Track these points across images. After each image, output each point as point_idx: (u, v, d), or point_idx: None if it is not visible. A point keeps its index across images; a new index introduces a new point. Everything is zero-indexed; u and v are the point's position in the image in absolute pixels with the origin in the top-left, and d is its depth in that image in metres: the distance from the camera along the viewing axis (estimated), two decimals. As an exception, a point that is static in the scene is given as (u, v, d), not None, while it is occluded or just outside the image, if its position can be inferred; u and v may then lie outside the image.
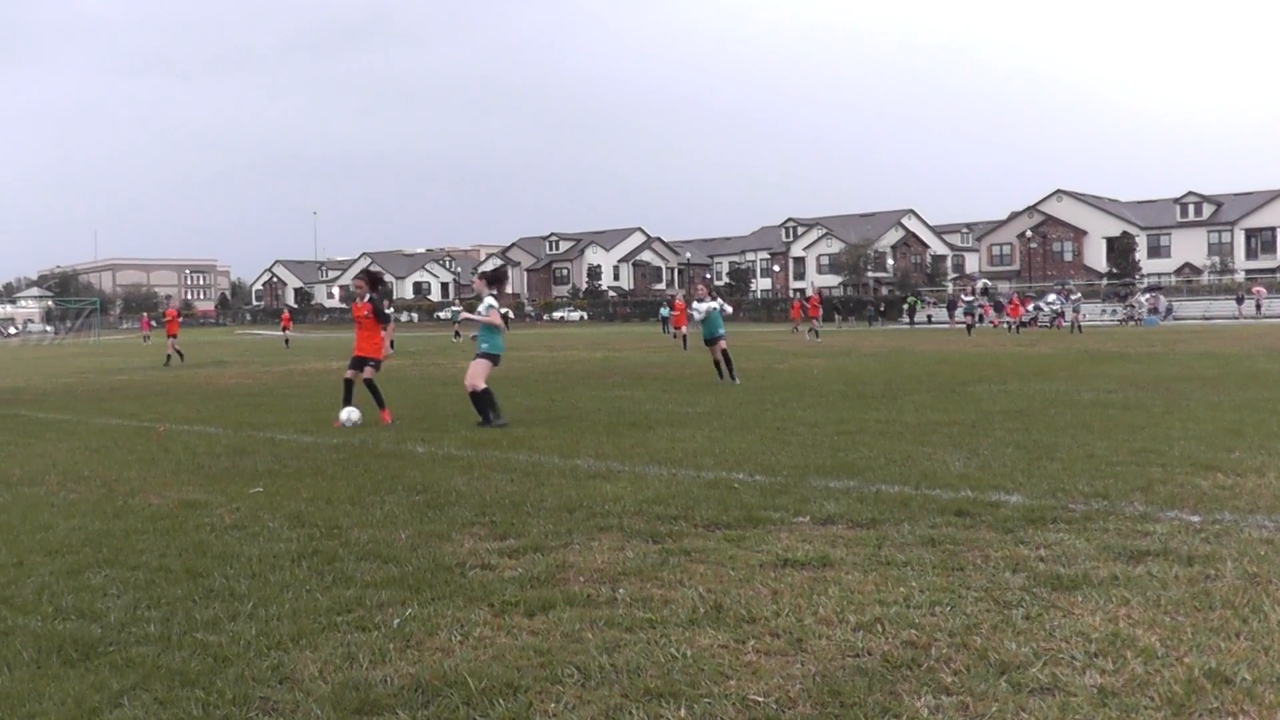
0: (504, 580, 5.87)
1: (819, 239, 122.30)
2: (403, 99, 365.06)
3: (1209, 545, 6.31)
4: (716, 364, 20.60)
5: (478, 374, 13.60)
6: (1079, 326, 53.92)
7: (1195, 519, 7.04)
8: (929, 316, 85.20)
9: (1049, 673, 4.27)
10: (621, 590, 5.60)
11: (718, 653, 4.59)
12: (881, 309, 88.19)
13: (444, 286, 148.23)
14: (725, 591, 5.52)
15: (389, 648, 4.77)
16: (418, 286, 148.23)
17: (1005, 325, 58.15)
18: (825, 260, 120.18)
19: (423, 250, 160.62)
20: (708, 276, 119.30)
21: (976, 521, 7.05)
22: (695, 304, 21.05)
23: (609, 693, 4.17)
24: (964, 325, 49.36)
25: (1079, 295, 65.39)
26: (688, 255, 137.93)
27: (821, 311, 44.32)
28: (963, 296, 53.08)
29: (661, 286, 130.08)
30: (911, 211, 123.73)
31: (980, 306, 52.46)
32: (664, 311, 68.81)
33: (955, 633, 4.77)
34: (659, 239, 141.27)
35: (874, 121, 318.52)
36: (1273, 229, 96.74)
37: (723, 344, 20.67)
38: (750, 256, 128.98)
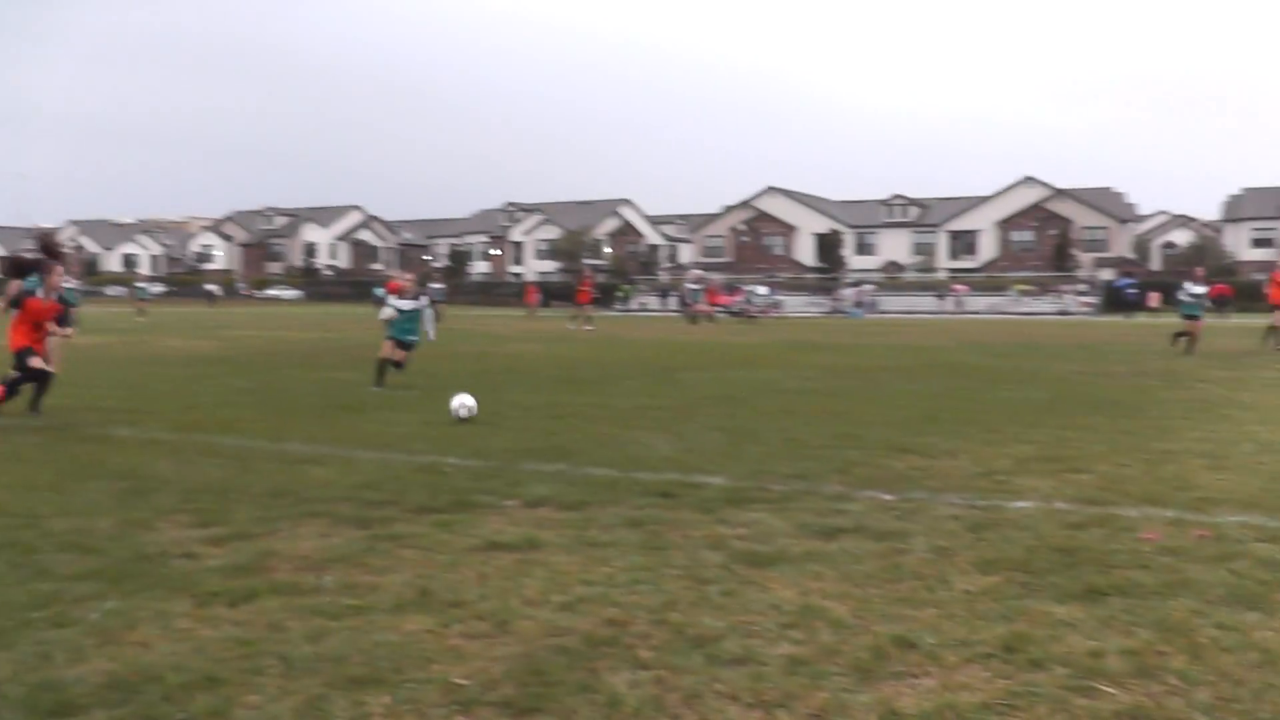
0: (207, 570, 5.67)
1: (539, 224, 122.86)
2: (122, 55, 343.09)
3: (900, 522, 6.75)
4: (386, 363, 15.63)
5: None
6: (751, 316, 55.83)
7: (889, 498, 7.49)
8: (642, 304, 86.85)
9: (742, 645, 4.48)
10: (328, 577, 5.50)
11: (423, 638, 4.59)
12: (598, 296, 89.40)
13: (154, 259, 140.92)
14: (433, 576, 5.51)
15: (86, 644, 4.53)
16: (127, 259, 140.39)
17: (719, 314, 59.87)
18: (544, 246, 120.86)
19: (133, 220, 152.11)
20: (427, 259, 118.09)
21: (680, 503, 7.28)
22: (392, 300, 15.94)
23: (312, 682, 4.10)
24: (693, 314, 50.51)
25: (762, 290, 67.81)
26: (406, 235, 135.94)
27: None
28: (688, 285, 54.33)
29: (380, 267, 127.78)
30: (628, 201, 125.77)
31: (704, 293, 53.95)
32: (378, 292, 67.86)
33: (655, 610, 4.93)
34: (377, 218, 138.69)
35: (596, 114, 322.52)
36: (974, 232, 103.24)
37: (407, 354, 15.91)
38: (470, 239, 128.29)
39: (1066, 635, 4.63)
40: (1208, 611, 4.98)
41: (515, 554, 5.97)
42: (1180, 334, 25.51)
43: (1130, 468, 8.91)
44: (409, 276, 17.33)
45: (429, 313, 16.42)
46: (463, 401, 12.04)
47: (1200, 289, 25.58)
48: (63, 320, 13.48)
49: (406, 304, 15.90)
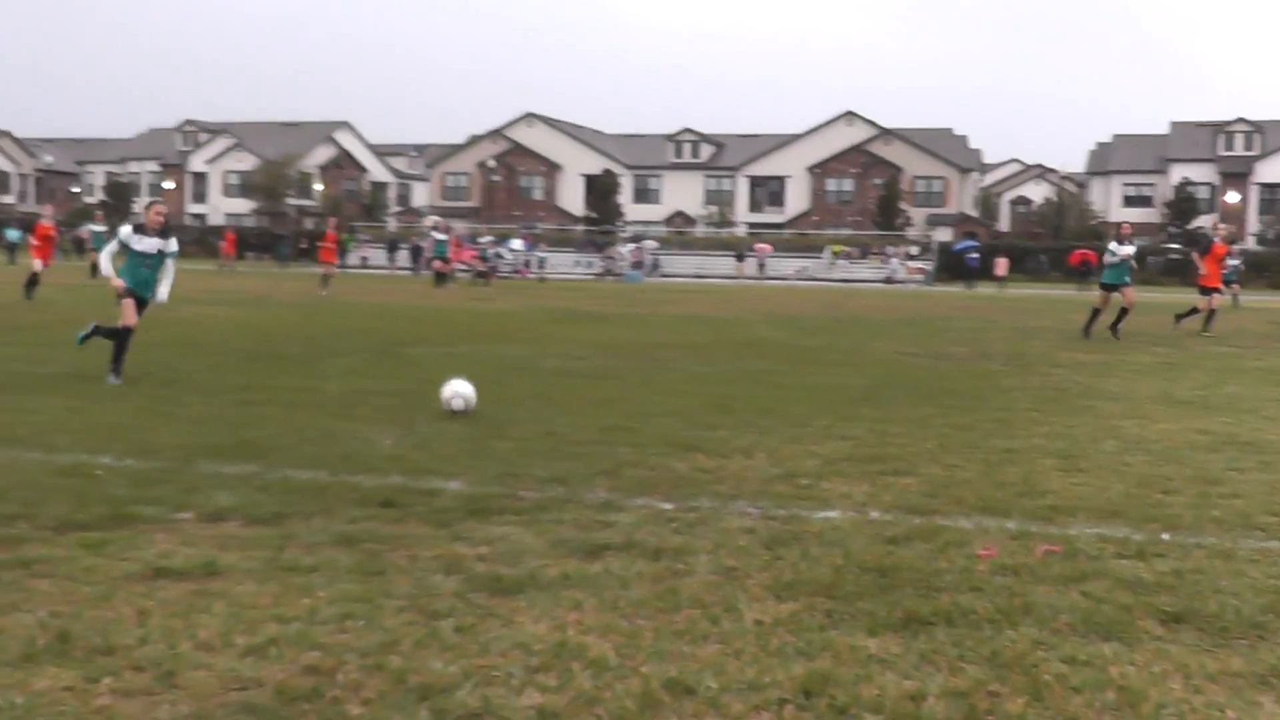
0: None
1: (227, 150, 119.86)
2: None
3: (681, 536, 6.88)
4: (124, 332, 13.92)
5: None
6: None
7: (667, 506, 7.63)
8: (364, 259, 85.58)
9: (480, 695, 4.49)
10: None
11: (60, 697, 4.44)
12: (303, 246, 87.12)
13: None
14: (76, 615, 5.34)
15: None
16: None
17: (465, 272, 59.58)
18: (235, 179, 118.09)
19: None
20: (76, 191, 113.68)
21: (406, 514, 7.25)
22: (125, 237, 14.21)
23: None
24: (438, 272, 49.96)
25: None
26: (49, 159, 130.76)
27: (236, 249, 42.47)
28: (435, 234, 53.69)
29: (11, 200, 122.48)
30: (346, 125, 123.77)
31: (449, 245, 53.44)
32: (11, 234, 65.40)
33: (369, 652, 4.90)
34: (7, 134, 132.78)
35: (302, 14, 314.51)
36: (781, 179, 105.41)
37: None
38: (135, 167, 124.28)
39: (879, 674, 4.80)
40: (1053, 643, 5.25)
41: (189, 583, 5.84)
42: (1098, 310, 25.18)
43: (965, 469, 9.30)
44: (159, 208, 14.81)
45: (170, 261, 14.31)
46: (457, 390, 11.62)
47: (1128, 249, 25.15)
48: None
49: (148, 243, 14.15)
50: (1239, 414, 13.08)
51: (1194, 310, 27.71)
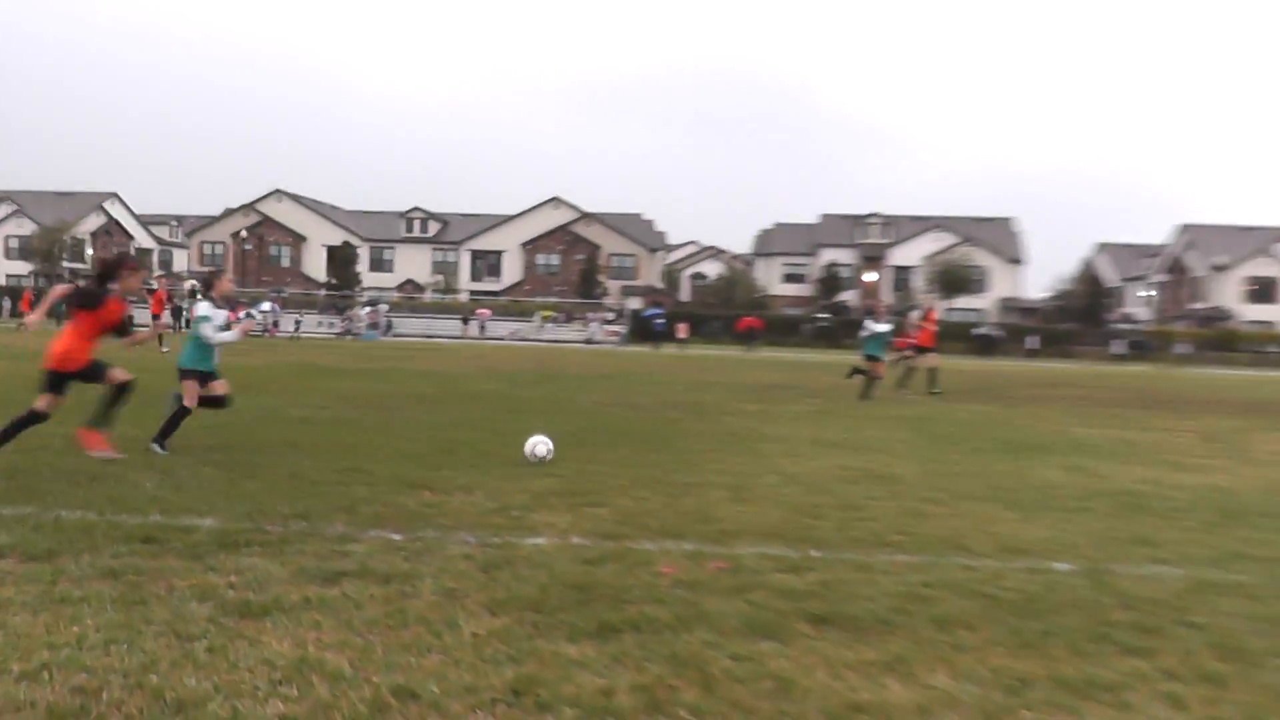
0: None
1: (8, 216, 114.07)
2: None
3: (409, 563, 6.81)
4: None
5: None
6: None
7: (397, 537, 7.55)
8: (131, 317, 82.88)
9: (229, 707, 4.37)
10: None
11: None
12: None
13: None
14: None
15: None
16: None
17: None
18: (15, 243, 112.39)
19: None
20: None
21: (165, 549, 6.99)
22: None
23: None
24: (170, 328, 48.40)
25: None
26: None
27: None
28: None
29: None
30: (115, 196, 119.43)
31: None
32: None
33: (130, 673, 4.72)
34: None
35: (76, 90, 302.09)
36: (498, 253, 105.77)
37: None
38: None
39: (577, 675, 4.86)
40: (722, 643, 5.39)
41: (-37, 615, 5.52)
42: (857, 370, 24.96)
43: (651, 501, 9.46)
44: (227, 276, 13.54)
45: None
46: (539, 441, 11.68)
47: (883, 327, 24.35)
48: None
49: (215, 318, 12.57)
50: (874, 453, 13.66)
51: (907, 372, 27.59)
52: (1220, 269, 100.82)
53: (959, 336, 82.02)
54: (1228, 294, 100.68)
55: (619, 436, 14.55)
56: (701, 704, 4.58)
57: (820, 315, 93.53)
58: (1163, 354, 79.35)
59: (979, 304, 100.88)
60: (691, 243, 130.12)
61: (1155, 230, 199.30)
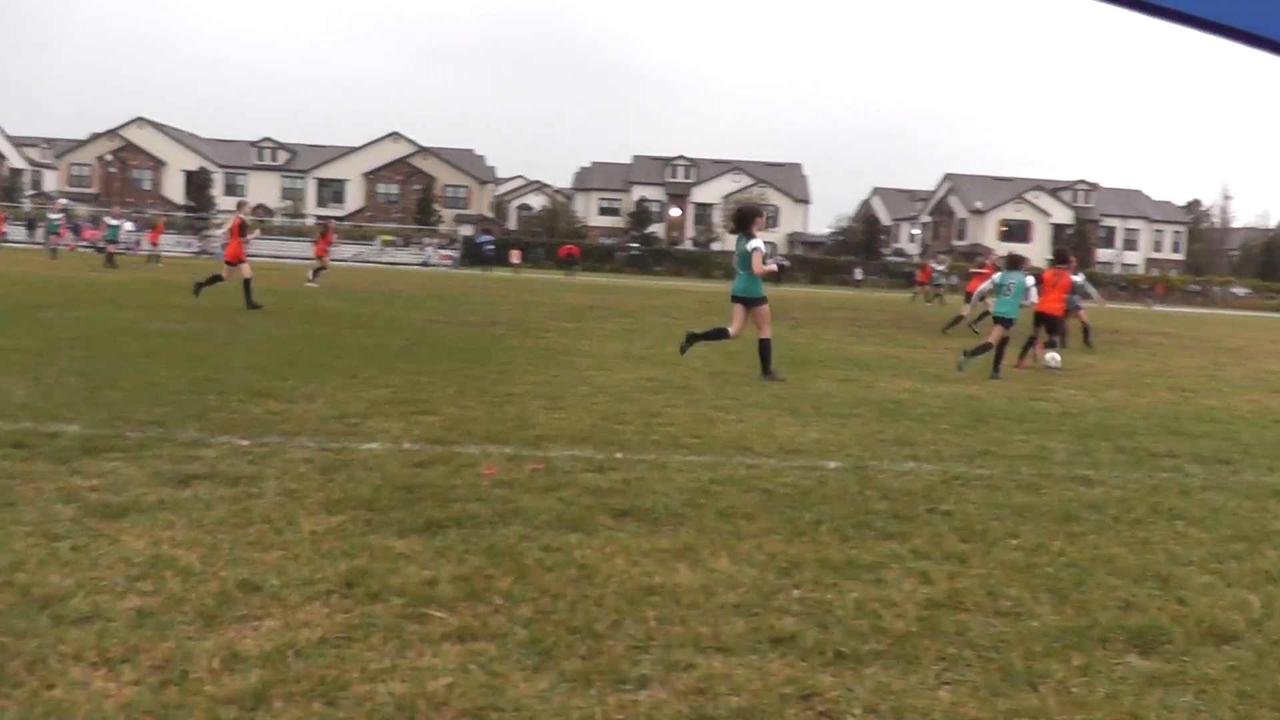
0: None
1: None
2: None
3: (254, 466, 6.68)
4: None
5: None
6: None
7: (245, 443, 7.38)
8: (3, 235, 78.27)
9: (90, 601, 4.25)
10: None
11: None
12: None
13: None
14: None
15: None
16: None
17: (88, 248, 55.48)
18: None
19: None
20: None
21: (34, 453, 6.71)
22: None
23: None
24: (47, 247, 46.10)
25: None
26: None
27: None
28: (50, 215, 49.55)
29: None
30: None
31: (59, 226, 49.50)
32: None
33: (1, 571, 4.54)
34: None
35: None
36: (342, 181, 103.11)
37: None
38: None
39: (404, 567, 4.84)
40: (535, 536, 5.42)
41: None
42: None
43: (475, 409, 9.43)
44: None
45: None
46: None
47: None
48: None
49: None
50: (675, 366, 13.83)
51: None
52: (979, 212, 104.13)
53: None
54: (986, 234, 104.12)
55: (448, 351, 14.43)
56: (514, 590, 4.61)
57: (632, 245, 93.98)
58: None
59: (770, 237, 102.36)
60: (519, 177, 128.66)
61: (924, 177, 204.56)
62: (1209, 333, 34.14)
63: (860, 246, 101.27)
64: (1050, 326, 17.65)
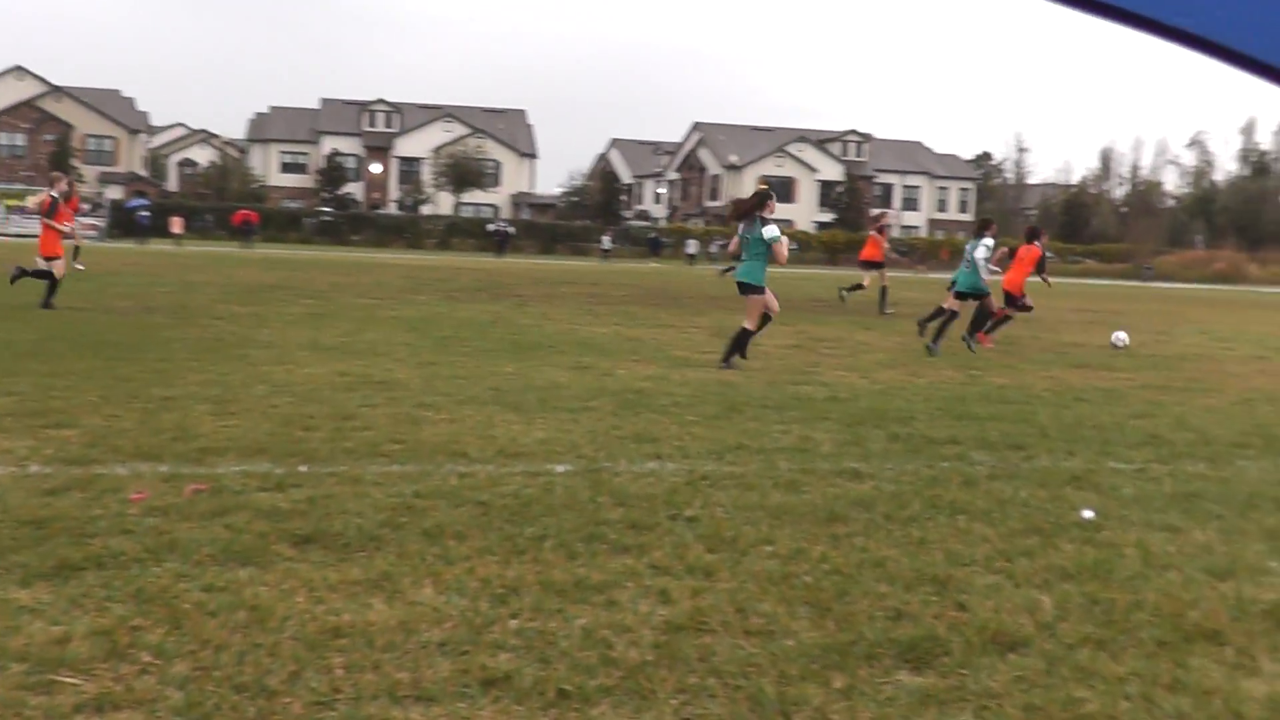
0: None
1: None
2: None
3: None
4: None
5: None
6: None
7: None
8: None
9: None
10: None
11: None
12: None
13: None
14: None
15: None
16: None
17: None
18: None
19: None
20: None
21: None
22: None
23: None
24: None
25: None
26: None
27: None
28: None
29: None
30: None
31: None
32: None
33: None
34: None
35: None
36: None
37: None
38: None
39: (28, 624, 4.62)
40: (195, 575, 5.28)
41: None
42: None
43: (124, 419, 9.10)
44: None
45: None
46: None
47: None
48: None
49: None
50: (374, 357, 13.72)
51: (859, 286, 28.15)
52: (734, 168, 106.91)
53: (472, 233, 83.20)
54: (744, 192, 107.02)
55: (90, 346, 13.82)
56: (167, 644, 4.46)
57: (324, 209, 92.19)
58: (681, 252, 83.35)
59: (492, 199, 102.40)
60: (179, 125, 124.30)
61: (670, 127, 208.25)
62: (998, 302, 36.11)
63: (598, 208, 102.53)
64: (1008, 300, 20.17)
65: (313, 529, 6.07)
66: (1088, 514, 7.27)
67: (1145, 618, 5.34)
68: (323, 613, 4.87)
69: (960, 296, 18.59)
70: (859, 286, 28.05)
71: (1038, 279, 20.67)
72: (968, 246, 18.95)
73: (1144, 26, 1.44)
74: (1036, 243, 20.82)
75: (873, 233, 28.45)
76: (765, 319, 14.98)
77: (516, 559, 5.73)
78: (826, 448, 9.17)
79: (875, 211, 25.67)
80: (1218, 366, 18.05)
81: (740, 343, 14.71)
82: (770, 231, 14.33)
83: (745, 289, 14.70)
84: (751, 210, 14.75)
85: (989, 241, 18.79)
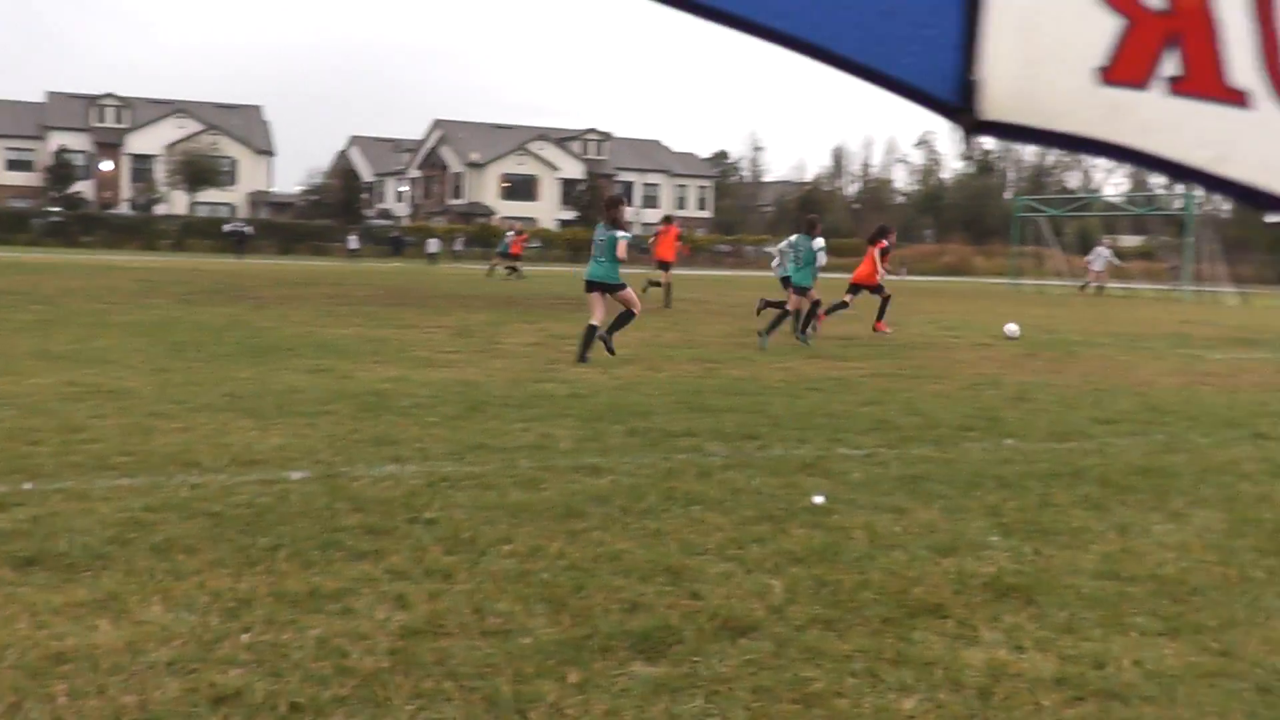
0: None
1: None
2: None
3: None
4: None
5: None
6: None
7: None
8: None
9: None
10: None
11: None
12: None
13: None
14: None
15: None
16: None
17: None
18: None
19: None
20: None
21: None
22: None
23: None
24: None
25: None
26: None
27: None
28: None
29: None
30: None
31: None
32: None
33: None
34: None
35: None
36: None
37: None
38: None
39: None
40: (-93, 604, 5.02)
41: None
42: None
43: None
44: None
45: None
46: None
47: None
48: None
49: None
50: (105, 365, 13.22)
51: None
52: (476, 165, 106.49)
53: (208, 233, 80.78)
54: (487, 190, 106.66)
55: None
56: None
57: (52, 209, 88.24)
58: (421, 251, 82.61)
59: (228, 198, 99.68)
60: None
61: (411, 124, 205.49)
62: (739, 297, 36.78)
63: (339, 207, 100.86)
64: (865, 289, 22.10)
65: (36, 550, 5.82)
66: (818, 499, 7.53)
67: (871, 596, 5.57)
68: (45, 638, 4.68)
69: (800, 291, 19.77)
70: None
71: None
72: (789, 244, 20.79)
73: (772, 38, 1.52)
74: (885, 239, 22.75)
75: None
76: (628, 314, 16.21)
77: (249, 571, 5.62)
78: (566, 444, 9.26)
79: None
80: (946, 354, 18.87)
81: (619, 324, 16.07)
82: (620, 234, 15.99)
83: (606, 288, 15.92)
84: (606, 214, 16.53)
85: (821, 242, 20.14)
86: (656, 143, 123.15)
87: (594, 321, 15.86)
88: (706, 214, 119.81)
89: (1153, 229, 67.11)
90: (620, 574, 5.76)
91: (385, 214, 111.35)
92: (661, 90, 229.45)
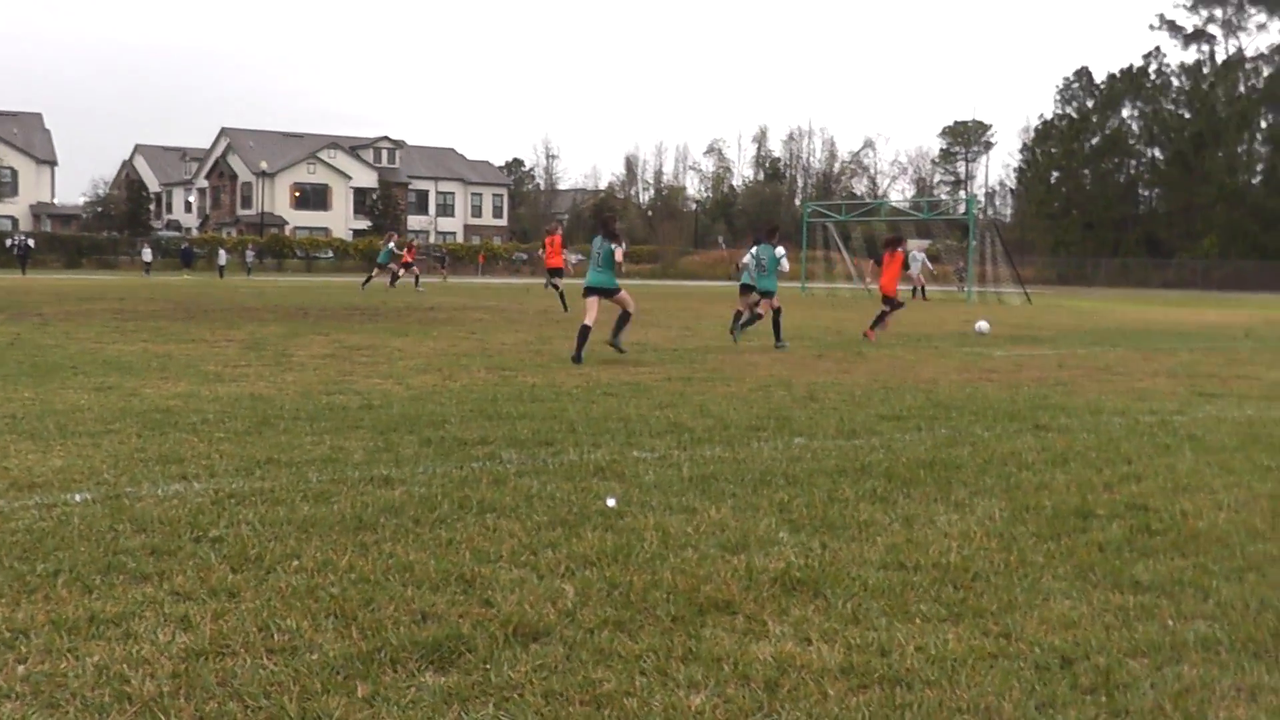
0: None
1: None
2: None
3: None
4: None
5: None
6: None
7: None
8: None
9: None
10: None
11: None
12: None
13: None
14: None
15: None
16: None
17: None
18: None
19: None
20: None
21: None
22: None
23: None
24: None
25: None
26: None
27: None
28: None
29: None
30: None
31: None
32: None
33: None
34: None
35: None
36: None
37: None
38: None
39: None
40: None
41: None
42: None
43: None
44: None
45: None
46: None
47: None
48: None
49: None
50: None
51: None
52: (265, 174, 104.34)
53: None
54: (278, 199, 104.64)
55: None
56: None
57: None
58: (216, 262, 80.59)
59: (9, 210, 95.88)
60: None
61: (197, 133, 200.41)
62: (536, 304, 36.78)
63: (126, 219, 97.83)
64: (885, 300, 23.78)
65: None
66: (611, 502, 7.57)
67: (662, 595, 5.61)
68: None
69: (765, 295, 21.50)
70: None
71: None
72: (751, 255, 21.82)
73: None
74: (899, 249, 24.47)
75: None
76: (626, 316, 18.08)
77: (27, 599, 5.38)
78: (358, 456, 9.13)
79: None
80: (738, 357, 19.16)
81: (621, 325, 18.07)
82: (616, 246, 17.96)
83: (604, 292, 17.82)
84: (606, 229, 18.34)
85: (782, 250, 21.66)
86: (451, 150, 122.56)
87: (587, 322, 17.47)
88: (502, 222, 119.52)
89: (937, 234, 69.50)
90: (411, 585, 5.70)
91: (174, 225, 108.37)
92: (455, 97, 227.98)
